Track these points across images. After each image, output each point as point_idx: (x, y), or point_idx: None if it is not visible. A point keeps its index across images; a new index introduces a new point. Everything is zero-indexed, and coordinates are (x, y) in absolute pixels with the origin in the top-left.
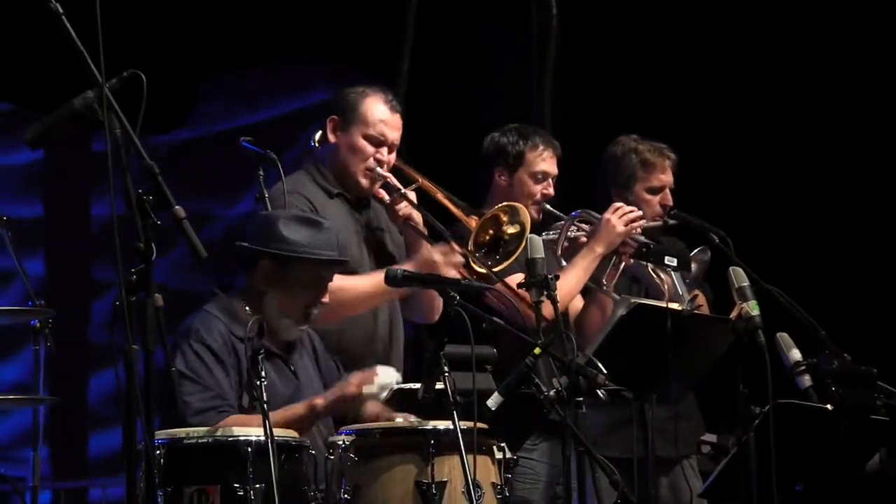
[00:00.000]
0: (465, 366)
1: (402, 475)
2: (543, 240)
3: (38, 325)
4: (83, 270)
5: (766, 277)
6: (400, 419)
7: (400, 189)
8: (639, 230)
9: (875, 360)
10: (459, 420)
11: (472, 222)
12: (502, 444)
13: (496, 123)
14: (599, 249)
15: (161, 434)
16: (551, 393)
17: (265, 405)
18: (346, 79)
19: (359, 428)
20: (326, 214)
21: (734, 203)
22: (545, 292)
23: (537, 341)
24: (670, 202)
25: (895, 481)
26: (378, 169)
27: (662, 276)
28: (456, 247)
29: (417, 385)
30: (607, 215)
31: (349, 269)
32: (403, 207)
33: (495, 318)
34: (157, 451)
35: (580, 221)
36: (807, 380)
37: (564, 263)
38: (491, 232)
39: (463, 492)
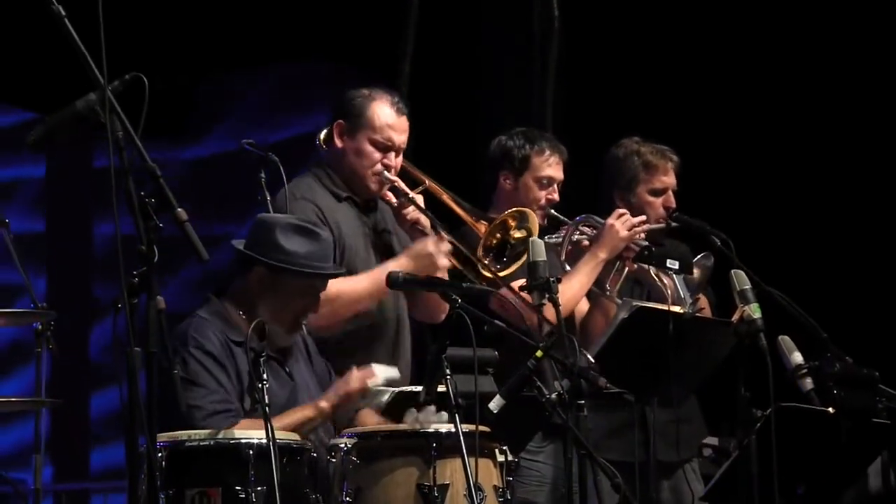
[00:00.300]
0: (467, 368)
1: (403, 478)
2: (548, 244)
3: (40, 327)
4: (85, 286)
5: (768, 280)
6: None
7: (408, 193)
8: (642, 235)
9: (877, 363)
10: (461, 423)
11: (482, 227)
12: (504, 447)
13: (498, 125)
14: (603, 254)
15: (163, 436)
16: (553, 396)
17: (267, 408)
18: (349, 79)
19: (361, 431)
20: (335, 218)
21: (736, 205)
22: (547, 295)
23: (539, 344)
24: (673, 204)
25: None
26: (386, 173)
27: (664, 279)
28: (445, 235)
29: (419, 388)
30: (611, 220)
31: (351, 271)
32: (411, 212)
33: (497, 321)
34: (159, 454)
35: (584, 226)
36: (808, 383)
37: (569, 268)
38: (498, 236)
39: (465, 495)
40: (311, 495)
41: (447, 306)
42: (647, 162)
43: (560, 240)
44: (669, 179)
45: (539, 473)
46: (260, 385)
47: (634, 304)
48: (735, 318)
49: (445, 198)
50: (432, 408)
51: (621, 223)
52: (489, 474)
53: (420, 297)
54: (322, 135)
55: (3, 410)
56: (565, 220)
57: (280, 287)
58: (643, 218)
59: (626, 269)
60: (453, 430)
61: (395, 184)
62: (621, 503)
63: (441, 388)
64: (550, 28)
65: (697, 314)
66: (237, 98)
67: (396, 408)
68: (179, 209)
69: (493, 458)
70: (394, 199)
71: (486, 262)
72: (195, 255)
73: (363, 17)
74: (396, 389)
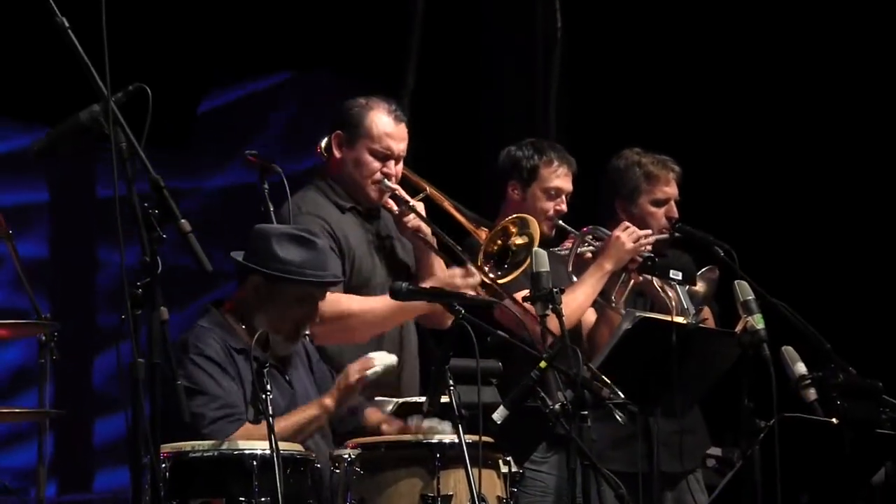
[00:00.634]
0: (471, 379)
1: (407, 489)
2: (555, 254)
3: (43, 339)
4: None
5: (771, 291)
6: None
7: (408, 201)
8: (648, 248)
9: (880, 374)
10: (465, 433)
11: (482, 234)
12: (508, 458)
13: (501, 134)
14: (608, 266)
15: (167, 448)
16: (556, 406)
17: (271, 418)
18: (352, 89)
19: (364, 442)
20: (343, 230)
21: (739, 216)
22: (550, 306)
23: (542, 355)
24: (675, 214)
25: None
26: (386, 181)
27: (668, 290)
28: (473, 268)
29: (423, 398)
30: (616, 232)
31: (362, 280)
32: (412, 220)
33: (500, 332)
34: (163, 465)
35: (590, 237)
36: (812, 393)
37: (575, 279)
38: (499, 243)
39: None
40: None
41: None
42: (649, 173)
43: (567, 252)
44: (671, 190)
45: (543, 484)
46: (264, 395)
47: (637, 314)
48: (738, 328)
49: (447, 205)
50: (436, 419)
51: (627, 235)
52: (493, 485)
53: (426, 305)
54: (322, 145)
55: (8, 422)
56: (573, 230)
57: (277, 296)
58: (649, 231)
59: (632, 281)
60: (457, 440)
61: (396, 192)
62: None
63: (444, 399)
64: (553, 37)
65: (701, 325)
66: (241, 109)
67: (400, 418)
68: (183, 220)
69: (497, 468)
70: (395, 208)
71: (486, 269)
72: (198, 266)
73: (367, 28)
74: (400, 400)
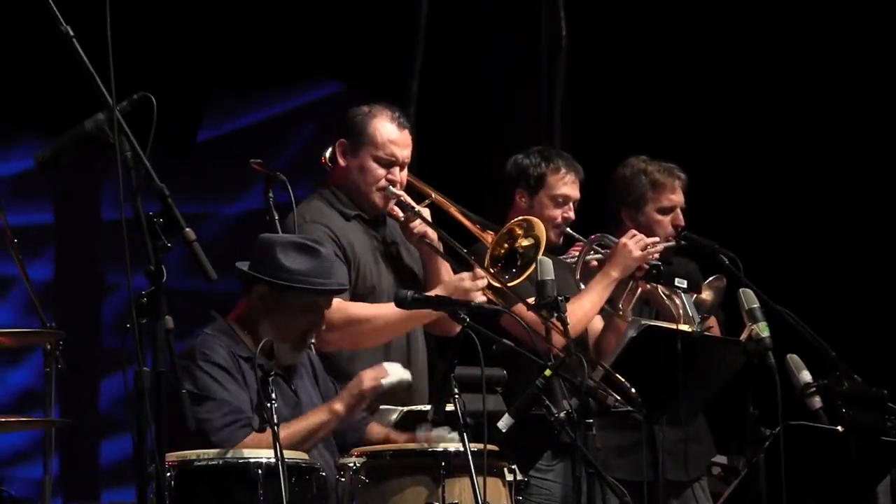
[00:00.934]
0: (476, 388)
1: (412, 497)
2: (563, 262)
3: (49, 347)
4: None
5: (776, 299)
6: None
7: (414, 207)
8: (656, 255)
9: (886, 382)
10: (470, 442)
11: (488, 237)
12: (513, 466)
13: (506, 141)
14: (615, 274)
15: (172, 456)
16: (561, 414)
17: (276, 427)
18: (357, 98)
19: (369, 450)
20: (348, 238)
21: (744, 223)
22: (555, 314)
23: (547, 363)
24: (682, 222)
25: None
26: (391, 188)
27: (674, 298)
28: (480, 271)
29: (428, 407)
30: (623, 240)
31: (368, 288)
32: (418, 225)
33: (505, 340)
34: (168, 473)
35: (598, 245)
36: (817, 401)
37: (583, 287)
38: (506, 246)
39: None
40: None
41: None
42: (655, 180)
43: (574, 259)
44: (677, 197)
45: (548, 492)
46: (269, 404)
47: (643, 322)
48: (743, 336)
49: (452, 210)
50: (446, 428)
51: (634, 243)
52: (498, 493)
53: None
54: (326, 154)
55: (15, 431)
56: (581, 238)
57: (282, 305)
58: (656, 238)
59: (640, 289)
60: (462, 449)
61: (401, 198)
62: None
63: (450, 408)
64: (558, 44)
65: (706, 333)
66: (244, 117)
67: (405, 427)
68: (188, 229)
69: (502, 476)
70: (401, 215)
71: (494, 272)
72: (203, 274)
73: (371, 36)
74: (405, 409)
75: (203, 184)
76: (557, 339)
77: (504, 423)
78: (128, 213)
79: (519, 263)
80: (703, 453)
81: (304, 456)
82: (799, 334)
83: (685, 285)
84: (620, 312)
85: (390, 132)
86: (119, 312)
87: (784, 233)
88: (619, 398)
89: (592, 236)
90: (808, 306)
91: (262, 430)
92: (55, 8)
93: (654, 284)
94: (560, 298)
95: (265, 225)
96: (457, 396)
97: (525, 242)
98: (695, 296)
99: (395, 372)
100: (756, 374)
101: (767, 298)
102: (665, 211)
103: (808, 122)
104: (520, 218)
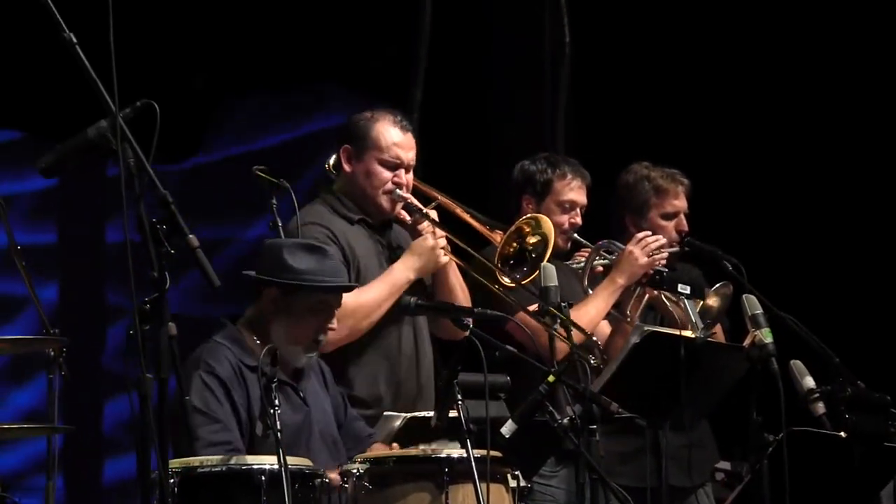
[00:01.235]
0: (479, 394)
1: (415, 503)
2: (571, 269)
3: (52, 354)
4: (98, 296)
5: (780, 305)
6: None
7: (421, 209)
8: (663, 262)
9: (889, 388)
10: (473, 448)
11: (497, 237)
12: (516, 472)
13: (509, 148)
14: (621, 281)
15: (175, 462)
16: (565, 421)
17: (279, 434)
18: (361, 103)
19: (373, 456)
20: (349, 241)
21: (747, 229)
22: (558, 320)
23: (551, 369)
24: (685, 228)
25: None
26: (398, 191)
27: (677, 304)
28: (439, 231)
29: (431, 413)
30: (630, 246)
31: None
32: (426, 227)
33: (509, 347)
34: (171, 480)
35: (605, 251)
36: (820, 407)
37: (591, 293)
38: (515, 245)
39: None
40: None
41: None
42: (658, 186)
43: (582, 265)
44: (681, 203)
45: (552, 498)
46: (272, 411)
47: (646, 328)
48: (747, 342)
49: (459, 211)
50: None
51: (640, 249)
52: (501, 499)
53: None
54: (331, 161)
55: (15, 438)
56: (588, 244)
57: (293, 306)
58: (663, 242)
59: (647, 294)
60: (465, 455)
61: (408, 201)
62: None
63: (453, 414)
64: (561, 50)
65: (709, 339)
66: (246, 121)
67: (408, 433)
68: (191, 235)
69: (506, 483)
70: (408, 218)
71: (504, 270)
72: (206, 281)
73: (374, 42)
74: (409, 415)
75: (223, 207)
76: (561, 346)
77: (507, 429)
78: (132, 234)
79: (529, 262)
80: (706, 459)
81: (308, 462)
82: (802, 340)
83: (688, 291)
84: (628, 318)
85: (394, 135)
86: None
87: (787, 238)
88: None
89: (599, 242)
90: (812, 312)
91: (265, 436)
92: (58, 15)
93: (658, 290)
94: (563, 305)
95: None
96: (460, 402)
97: (533, 240)
98: (702, 303)
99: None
100: (759, 380)
101: (771, 304)
102: (669, 217)
103: (811, 128)
104: (528, 216)
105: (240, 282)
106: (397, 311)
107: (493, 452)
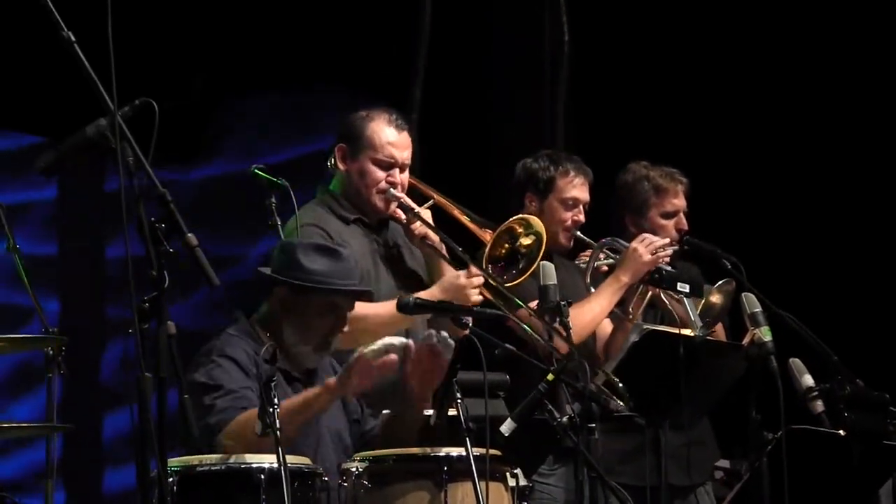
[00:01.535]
0: (478, 392)
1: (415, 502)
2: (576, 266)
3: (51, 352)
4: (98, 310)
5: (779, 303)
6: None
7: (414, 209)
8: (666, 259)
9: (888, 386)
10: (472, 446)
11: (487, 236)
12: (516, 471)
13: (509, 147)
14: (625, 279)
15: (174, 461)
16: (564, 419)
17: (278, 432)
18: (360, 103)
19: (372, 454)
20: (344, 241)
21: (746, 227)
22: (558, 319)
23: (550, 367)
24: (685, 226)
25: None
26: (392, 190)
27: (677, 302)
28: (476, 269)
29: (430, 412)
30: (634, 244)
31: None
32: (419, 227)
33: (508, 345)
34: (170, 479)
35: (608, 249)
36: (819, 405)
37: (594, 291)
38: (507, 246)
39: None
40: None
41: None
42: (658, 186)
43: (585, 264)
44: (680, 202)
45: (551, 496)
46: (271, 409)
47: (645, 327)
48: (746, 340)
49: (455, 211)
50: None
51: (644, 247)
52: (500, 498)
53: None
54: (331, 161)
55: (15, 436)
56: (591, 242)
57: (303, 306)
58: (667, 240)
59: (650, 293)
60: (465, 453)
61: (402, 200)
62: None
63: (452, 412)
64: (561, 50)
65: (709, 337)
66: (247, 122)
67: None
68: (190, 234)
69: (505, 481)
70: (403, 217)
71: (492, 272)
72: (205, 280)
73: (374, 41)
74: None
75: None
76: (561, 344)
77: (507, 427)
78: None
79: (521, 263)
80: (706, 458)
81: (307, 461)
82: (801, 338)
83: (687, 290)
84: (630, 316)
85: (388, 134)
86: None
87: (786, 237)
88: (621, 403)
89: (603, 240)
90: (811, 310)
91: (264, 434)
92: (57, 14)
93: (658, 288)
94: (563, 303)
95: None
96: (459, 401)
97: (526, 241)
98: (704, 300)
99: (382, 341)
100: (758, 378)
101: (770, 303)
102: (668, 216)
103: (810, 126)
104: (518, 216)
105: (245, 297)
106: (396, 310)
107: (492, 451)
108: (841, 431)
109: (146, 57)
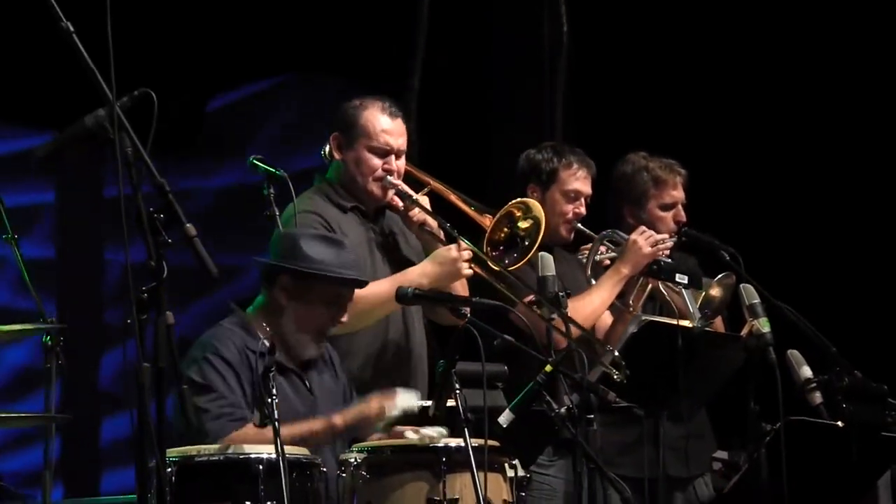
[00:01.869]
0: (477, 383)
1: (413, 492)
2: (577, 260)
3: (49, 342)
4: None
5: (777, 294)
6: (410, 433)
7: (412, 196)
8: (666, 252)
9: (886, 378)
10: (471, 437)
11: (486, 221)
12: (514, 462)
13: (507, 138)
14: (625, 270)
15: (172, 452)
16: (562, 410)
17: (276, 423)
18: (360, 93)
19: (370, 445)
20: (341, 229)
21: (744, 219)
22: (556, 310)
23: (548, 359)
24: (683, 218)
25: None
26: (388, 177)
27: (675, 294)
28: (465, 243)
29: (428, 402)
30: (634, 236)
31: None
32: (417, 213)
33: (506, 336)
34: (169, 469)
35: (608, 241)
36: (818, 397)
37: (594, 282)
38: (506, 230)
39: None
40: None
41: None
42: (657, 177)
43: (585, 257)
44: (679, 193)
45: (550, 487)
46: (269, 400)
47: (643, 318)
48: (744, 332)
49: (452, 197)
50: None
51: (644, 239)
52: (499, 488)
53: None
54: (326, 150)
55: (15, 427)
56: (592, 234)
57: (306, 295)
58: (666, 235)
59: (650, 285)
60: (463, 444)
61: (399, 187)
62: None
63: (450, 403)
64: (560, 41)
65: (707, 328)
66: (246, 114)
67: (406, 422)
68: (188, 224)
69: (503, 472)
70: (400, 204)
71: (493, 256)
72: (204, 270)
73: (372, 31)
74: (416, 408)
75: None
76: (559, 336)
77: (505, 418)
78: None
79: (519, 247)
80: (704, 449)
81: (306, 451)
82: (800, 330)
83: (686, 281)
84: (631, 308)
85: (383, 122)
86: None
87: (785, 228)
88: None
89: (603, 232)
90: (809, 302)
91: (262, 425)
92: (55, 4)
93: (656, 280)
94: (561, 294)
95: (261, 214)
96: (458, 392)
97: (525, 225)
98: (705, 293)
99: (403, 402)
100: (757, 369)
101: (768, 294)
102: (667, 207)
103: (807, 118)
104: (517, 200)
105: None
106: (395, 300)
107: (490, 442)
108: (839, 423)
109: (144, 48)
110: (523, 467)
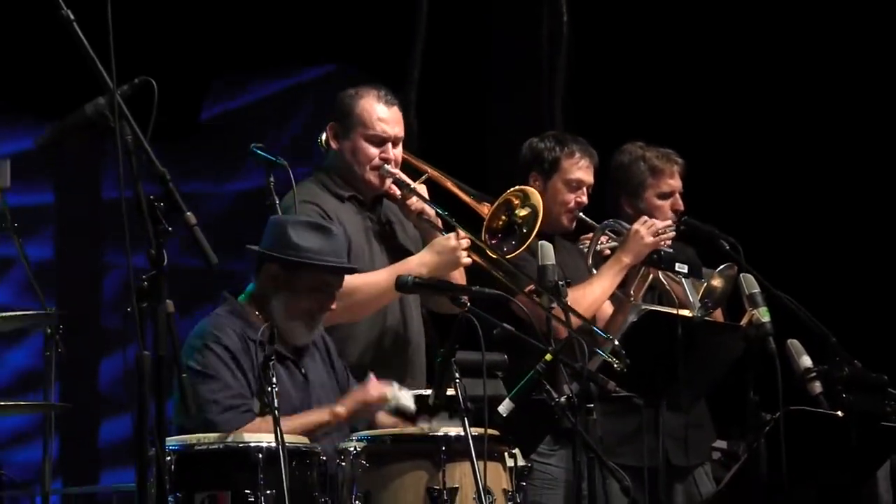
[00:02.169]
0: (477, 372)
1: (413, 481)
2: (578, 249)
3: (49, 331)
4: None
5: (777, 284)
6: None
7: (409, 184)
8: (668, 242)
9: (886, 367)
10: (470, 426)
11: (484, 209)
12: (514, 451)
13: (506, 130)
14: (627, 260)
15: (172, 440)
16: (562, 399)
17: (276, 411)
18: (357, 82)
19: (370, 434)
20: (339, 218)
21: (743, 208)
22: (556, 299)
23: (548, 347)
24: (681, 207)
25: None
26: (386, 166)
27: (677, 283)
28: (462, 232)
29: (428, 391)
30: (636, 226)
31: (359, 268)
32: (415, 202)
33: (506, 325)
34: (168, 457)
35: (610, 231)
36: (817, 386)
37: (595, 272)
38: (504, 218)
39: (474, 498)
40: (320, 499)
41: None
42: (654, 166)
43: (586, 247)
44: (676, 182)
45: (550, 476)
46: (269, 388)
47: (643, 307)
48: (744, 321)
49: (449, 185)
50: (445, 414)
51: (646, 229)
52: (498, 477)
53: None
54: (322, 138)
55: (15, 414)
56: (593, 223)
57: (293, 283)
58: (668, 223)
59: (651, 274)
60: (462, 433)
61: (396, 176)
62: None
63: (450, 392)
64: (559, 33)
65: (707, 318)
66: (245, 103)
67: (405, 416)
68: (188, 213)
69: (503, 461)
70: (398, 193)
71: (491, 244)
72: (204, 259)
73: (372, 23)
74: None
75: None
76: (559, 325)
77: (505, 407)
78: (127, 187)
79: (517, 235)
80: (704, 439)
81: (305, 440)
82: (799, 319)
83: (686, 270)
84: (632, 298)
85: (378, 110)
86: (119, 293)
87: (784, 218)
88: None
89: (604, 221)
90: (809, 291)
91: (262, 414)
92: None
93: (656, 269)
94: (561, 283)
95: (265, 207)
96: (457, 381)
97: (523, 213)
98: (706, 284)
99: (400, 396)
100: (756, 359)
101: (768, 284)
102: (664, 196)
103: (805, 109)
104: (515, 188)
105: (220, 235)
106: (395, 290)
107: (490, 431)
108: (839, 412)
109: (145, 36)
110: (523, 456)
